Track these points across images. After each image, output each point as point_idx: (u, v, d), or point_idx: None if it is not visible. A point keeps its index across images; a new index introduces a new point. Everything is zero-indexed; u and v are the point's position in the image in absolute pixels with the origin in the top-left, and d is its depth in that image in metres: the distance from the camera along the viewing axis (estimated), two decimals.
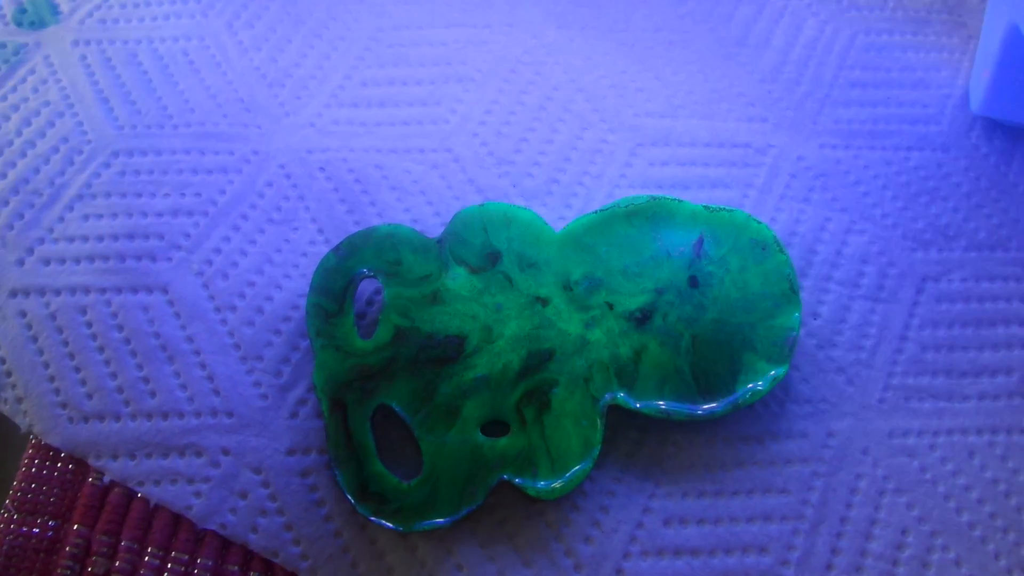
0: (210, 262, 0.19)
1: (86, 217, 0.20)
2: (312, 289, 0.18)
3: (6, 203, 0.20)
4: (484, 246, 0.18)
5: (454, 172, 0.20)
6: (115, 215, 0.20)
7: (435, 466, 0.16)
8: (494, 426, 0.17)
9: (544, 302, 0.17)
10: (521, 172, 0.21)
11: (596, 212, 0.18)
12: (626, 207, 0.18)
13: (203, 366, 0.18)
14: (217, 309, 0.19)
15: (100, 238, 0.19)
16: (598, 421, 0.17)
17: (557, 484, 0.16)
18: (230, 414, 0.18)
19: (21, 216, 0.20)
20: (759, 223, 0.18)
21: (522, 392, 0.17)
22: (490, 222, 0.18)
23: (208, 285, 0.19)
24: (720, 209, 0.18)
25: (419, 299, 0.17)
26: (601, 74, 0.22)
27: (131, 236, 0.19)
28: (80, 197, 0.20)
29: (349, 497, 0.16)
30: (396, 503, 0.16)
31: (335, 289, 0.17)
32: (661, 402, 0.17)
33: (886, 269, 0.20)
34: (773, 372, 0.17)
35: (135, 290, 0.19)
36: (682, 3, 0.23)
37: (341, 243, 0.18)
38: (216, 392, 0.18)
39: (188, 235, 0.19)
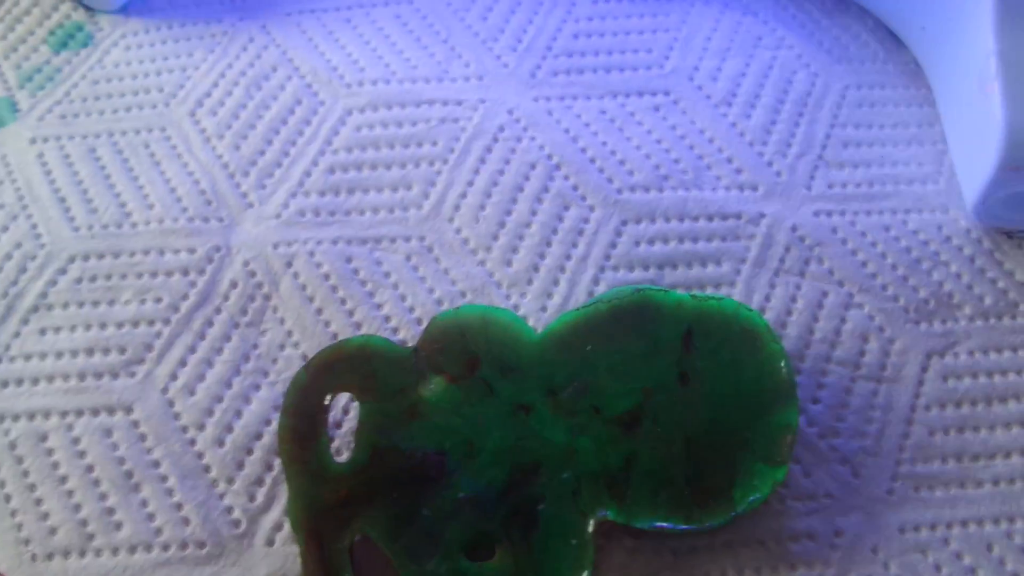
0: (175, 376, 0.18)
1: (43, 331, 0.19)
2: (284, 411, 0.17)
3: None
4: (462, 353, 0.17)
5: (428, 262, 0.20)
6: (73, 327, 0.19)
7: None
8: (479, 547, 0.16)
9: (527, 409, 0.17)
10: (499, 260, 0.20)
11: (578, 310, 0.17)
12: (609, 302, 0.17)
13: (171, 493, 0.17)
14: (184, 428, 0.18)
15: (59, 354, 0.19)
16: (588, 539, 0.16)
17: None
18: (201, 544, 0.17)
19: None
20: (749, 311, 0.17)
21: (507, 510, 0.16)
22: (467, 327, 0.17)
23: (174, 402, 0.18)
24: (708, 298, 0.17)
25: (396, 415, 0.17)
26: (581, 147, 0.21)
27: (90, 351, 0.19)
28: (35, 309, 0.19)
29: None
30: None
31: (308, 409, 0.17)
32: (655, 520, 0.16)
33: (888, 346, 0.19)
34: (773, 478, 0.16)
35: (96, 412, 0.18)
36: (665, 60, 0.23)
37: (311, 360, 0.17)
38: (186, 521, 0.17)
39: (150, 347, 0.19)
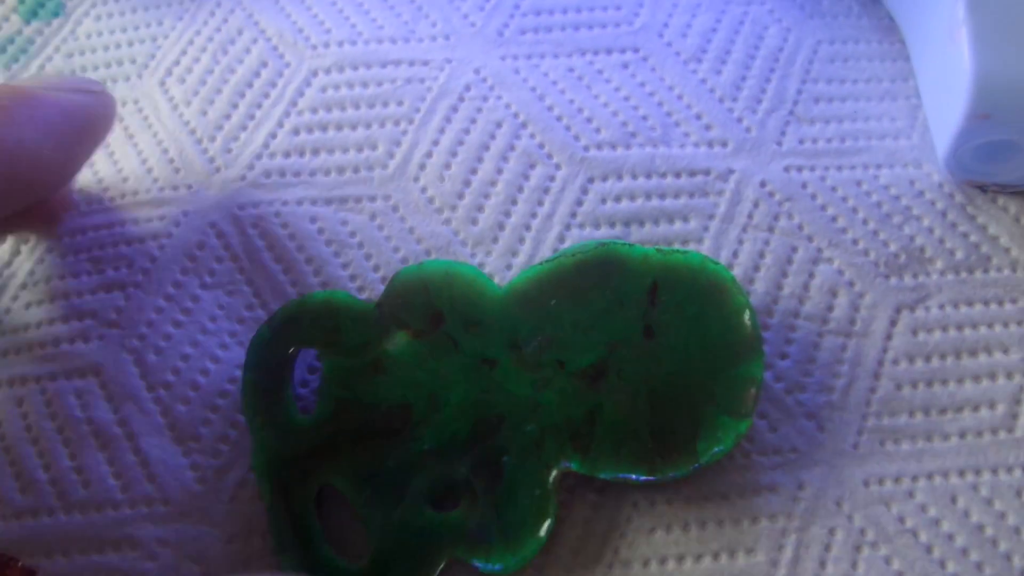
0: (142, 337, 0.18)
1: (27, 306, 0.19)
2: (247, 366, 0.17)
3: None
4: (426, 307, 0.17)
5: (393, 222, 0.20)
6: (53, 299, 0.19)
7: (383, 547, 0.16)
8: (444, 498, 0.16)
9: (491, 364, 0.17)
10: (465, 218, 0.20)
11: (542, 264, 0.17)
12: (573, 256, 0.17)
13: (136, 451, 0.17)
14: (150, 388, 0.18)
15: (38, 325, 0.19)
16: (551, 490, 0.16)
17: (508, 562, 0.16)
18: (166, 502, 0.17)
19: None
20: (716, 264, 0.17)
21: (472, 462, 0.16)
22: (431, 282, 0.17)
23: (140, 363, 0.18)
24: (674, 251, 0.17)
25: (360, 369, 0.17)
26: (548, 104, 0.21)
27: (65, 318, 0.19)
28: (24, 287, 0.19)
29: None
30: None
31: (271, 364, 0.17)
32: (618, 472, 0.16)
33: (857, 300, 0.19)
34: (736, 430, 0.16)
35: (68, 375, 0.18)
36: (635, 16, 0.22)
37: (275, 314, 0.17)
38: (151, 479, 0.17)
39: (120, 309, 0.19)
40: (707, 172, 0.20)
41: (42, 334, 0.19)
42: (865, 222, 0.20)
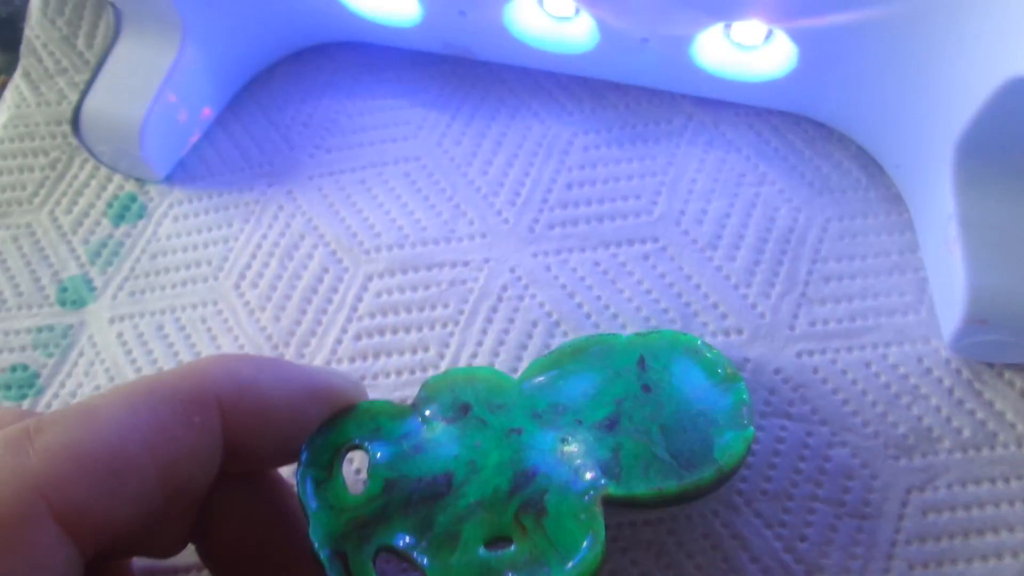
0: None
1: None
2: (302, 463, 0.19)
3: None
4: (454, 402, 0.20)
5: None
6: None
7: None
8: (496, 543, 0.18)
9: (519, 432, 0.19)
10: None
11: (546, 356, 0.21)
12: (571, 346, 0.21)
13: None
14: None
15: None
16: (597, 512, 0.18)
17: (571, 568, 0.17)
18: None
19: None
20: (686, 335, 0.20)
21: (517, 505, 0.18)
22: (455, 383, 0.20)
23: None
24: (649, 332, 0.21)
25: (402, 452, 0.19)
26: (577, 302, 0.23)
27: None
28: None
29: None
30: None
31: (323, 461, 0.19)
32: (650, 487, 0.18)
33: (870, 482, 0.21)
34: (744, 438, 0.19)
35: None
36: (653, 205, 0.24)
37: (322, 424, 0.20)
38: None
39: None
40: None
41: None
42: (874, 404, 0.22)
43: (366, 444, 0.19)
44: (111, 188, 0.28)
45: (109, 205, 0.28)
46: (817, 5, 0.19)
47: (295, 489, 0.19)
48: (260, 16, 0.27)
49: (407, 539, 0.18)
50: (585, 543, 0.18)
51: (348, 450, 0.19)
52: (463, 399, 0.20)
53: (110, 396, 0.16)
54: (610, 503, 0.19)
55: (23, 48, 0.31)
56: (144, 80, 0.25)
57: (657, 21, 0.21)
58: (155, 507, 0.16)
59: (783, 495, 0.21)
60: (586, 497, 0.18)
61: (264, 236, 0.26)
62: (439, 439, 0.19)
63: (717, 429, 0.19)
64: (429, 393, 0.20)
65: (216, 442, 0.17)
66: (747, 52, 0.23)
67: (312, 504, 0.18)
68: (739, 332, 0.23)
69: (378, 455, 0.19)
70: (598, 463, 0.19)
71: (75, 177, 0.28)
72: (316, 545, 0.18)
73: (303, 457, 0.19)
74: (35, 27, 0.31)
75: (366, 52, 0.29)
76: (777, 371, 0.22)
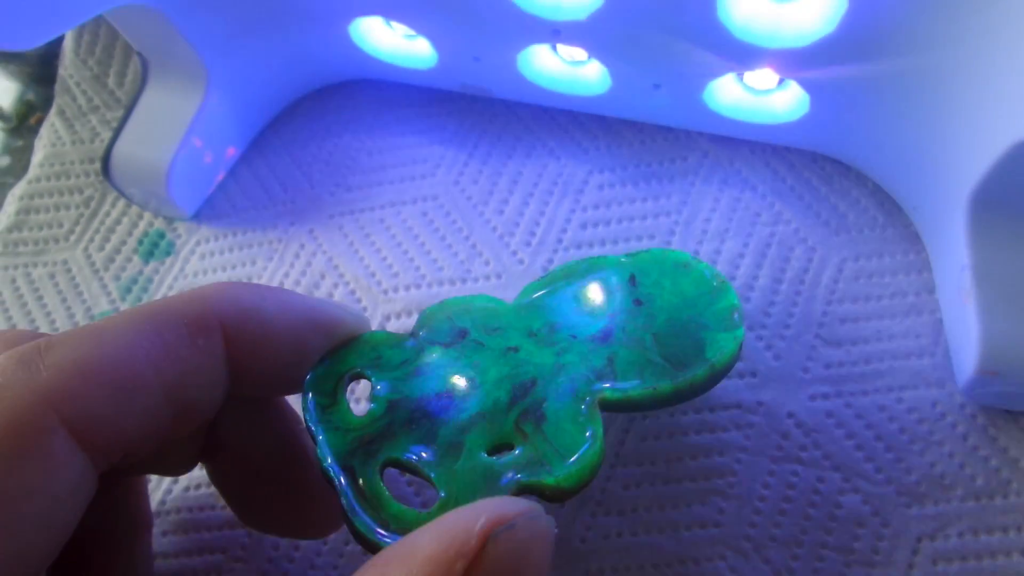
0: None
1: None
2: (306, 390, 0.20)
3: None
4: (451, 329, 0.20)
5: None
6: None
7: (451, 491, 0.18)
8: (498, 451, 0.19)
9: (515, 349, 0.20)
10: None
11: (539, 280, 0.21)
12: (563, 270, 0.21)
13: None
14: None
15: None
16: (594, 412, 0.19)
17: (571, 471, 0.18)
18: None
19: None
20: (675, 251, 0.21)
21: (517, 414, 0.19)
22: (452, 311, 0.21)
23: None
24: (638, 252, 0.21)
25: (403, 376, 0.20)
26: None
27: None
28: None
29: (373, 536, 0.18)
30: None
31: (327, 388, 0.20)
32: (645, 386, 0.18)
33: (880, 530, 0.21)
34: (734, 337, 0.19)
35: None
36: (667, 244, 0.25)
37: (325, 355, 0.20)
38: None
39: None
40: (738, 406, 0.22)
41: None
42: (888, 450, 0.22)
43: (368, 372, 0.20)
44: (141, 225, 0.29)
45: (140, 242, 0.29)
46: (824, 58, 0.19)
47: (301, 415, 0.19)
48: (281, 59, 0.27)
49: (412, 451, 0.18)
50: (584, 443, 0.18)
51: (352, 378, 0.20)
52: (460, 325, 0.20)
53: (116, 318, 0.17)
54: (607, 407, 0.19)
55: (57, 87, 0.32)
56: (170, 127, 0.25)
57: (667, 71, 0.21)
58: (163, 424, 0.17)
59: (792, 542, 0.21)
60: (583, 403, 0.18)
61: (286, 275, 0.27)
62: (438, 362, 0.20)
63: (708, 332, 0.19)
64: (426, 322, 0.20)
65: (220, 365, 0.17)
66: (761, 96, 0.23)
67: (318, 426, 0.19)
68: (752, 375, 0.23)
69: (380, 382, 0.19)
70: (593, 371, 0.19)
71: (107, 215, 0.30)
72: (324, 461, 0.18)
73: (307, 382, 0.19)
74: (68, 66, 0.32)
75: (386, 89, 0.29)
76: (790, 415, 0.22)
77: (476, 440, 0.19)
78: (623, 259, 0.21)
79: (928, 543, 0.21)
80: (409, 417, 0.19)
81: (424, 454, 0.18)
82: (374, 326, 0.25)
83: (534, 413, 0.19)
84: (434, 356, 0.20)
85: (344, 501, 0.18)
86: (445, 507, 0.18)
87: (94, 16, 0.21)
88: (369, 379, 0.20)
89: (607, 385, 0.19)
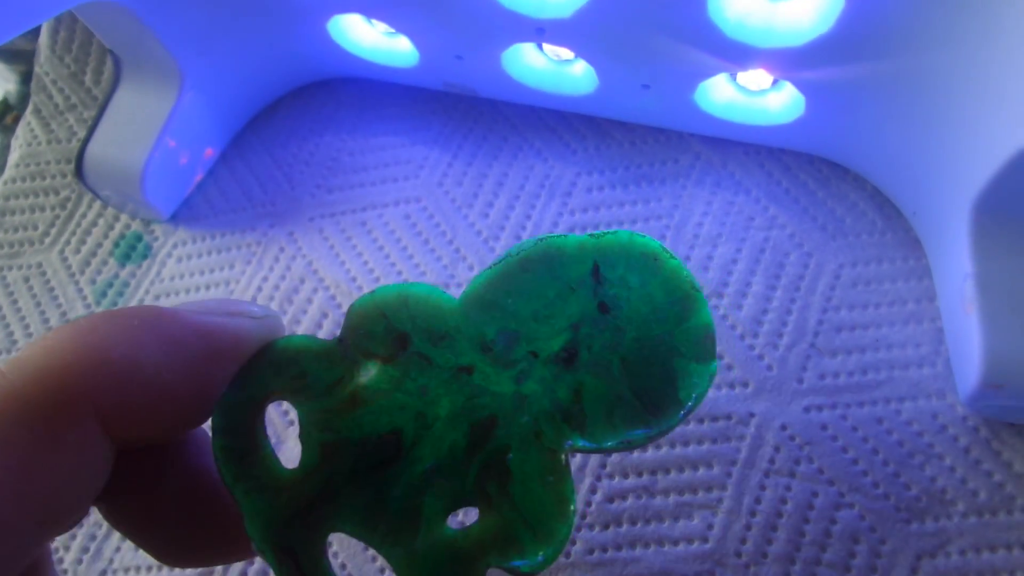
0: None
1: None
2: (216, 431, 0.17)
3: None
4: (388, 332, 0.17)
5: None
6: None
7: None
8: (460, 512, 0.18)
9: (468, 370, 0.17)
10: None
11: (490, 268, 0.18)
12: (517, 254, 0.18)
13: None
14: None
15: None
16: (564, 472, 0.17)
17: (546, 552, 0.16)
18: None
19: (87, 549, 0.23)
20: (643, 237, 0.18)
21: (478, 468, 0.17)
22: (386, 306, 0.18)
23: None
24: (604, 233, 0.18)
25: (336, 407, 0.17)
26: None
27: None
28: None
29: None
30: None
31: (240, 426, 0.17)
32: (617, 437, 0.17)
33: (878, 547, 0.20)
34: (708, 372, 0.17)
35: None
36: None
37: (236, 375, 0.17)
38: None
39: None
40: (729, 417, 0.22)
41: None
42: (886, 463, 0.21)
43: (289, 397, 0.17)
44: (118, 227, 0.29)
45: (116, 244, 0.28)
46: (820, 58, 0.19)
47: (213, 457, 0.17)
48: (259, 58, 0.27)
49: (361, 524, 0.16)
50: (560, 522, 0.16)
51: (269, 402, 0.17)
52: (398, 327, 0.17)
53: None
54: (575, 451, 0.17)
55: (33, 85, 0.31)
56: (144, 127, 0.25)
57: (656, 71, 0.21)
58: (33, 547, 0.14)
59: (786, 559, 0.21)
60: (551, 456, 0.17)
61: (265, 279, 0.26)
62: (378, 384, 0.17)
63: (680, 360, 0.17)
64: (357, 321, 0.17)
65: (99, 453, 0.14)
66: (754, 97, 0.23)
67: (239, 487, 0.16)
68: (744, 385, 0.22)
69: (306, 414, 0.17)
70: (559, 408, 0.17)
71: (83, 216, 0.29)
72: (257, 543, 0.16)
73: (215, 423, 0.16)
74: (44, 64, 0.31)
75: (368, 88, 0.29)
76: (784, 427, 0.22)
77: (434, 506, 0.16)
78: (586, 240, 0.18)
79: (928, 561, 0.20)
80: (352, 469, 0.16)
81: (377, 529, 0.16)
82: None
83: (497, 468, 0.17)
84: (372, 375, 0.17)
85: None
86: None
87: (57, 14, 0.20)
88: (292, 404, 0.17)
89: (577, 435, 0.17)
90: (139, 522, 0.17)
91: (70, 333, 0.14)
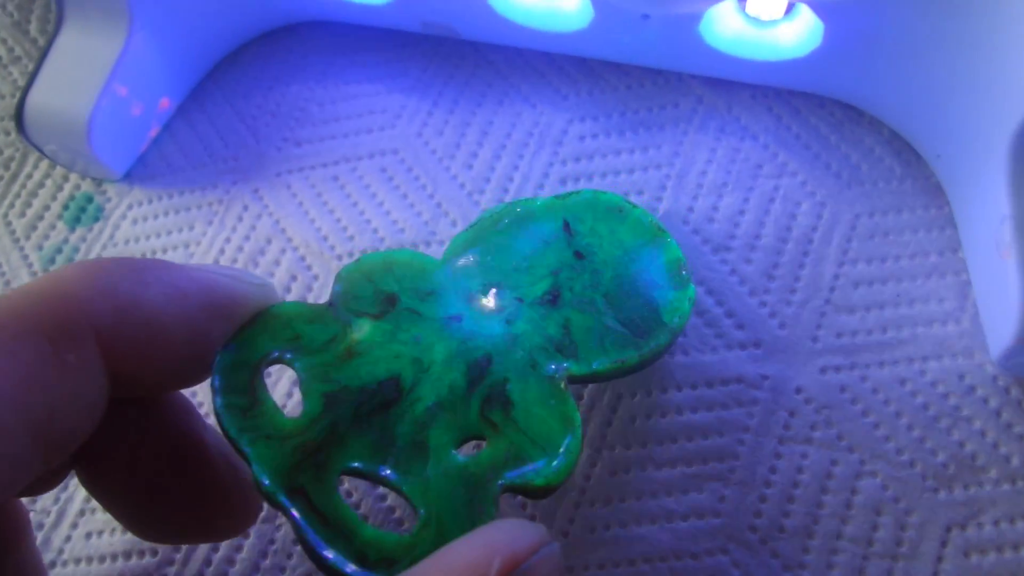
0: None
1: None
2: (216, 391, 0.17)
3: None
4: (376, 294, 0.18)
5: None
6: None
7: (430, 506, 0.16)
8: (467, 443, 0.17)
9: (458, 319, 0.18)
10: None
11: (467, 230, 0.19)
12: (490, 218, 0.19)
13: None
14: None
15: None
16: (565, 395, 0.17)
17: (558, 463, 0.16)
18: None
19: None
20: (605, 193, 0.20)
21: (480, 401, 0.17)
22: (373, 272, 0.18)
23: None
24: (568, 194, 0.20)
25: (333, 360, 0.17)
26: None
27: None
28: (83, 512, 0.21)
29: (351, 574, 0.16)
30: (407, 558, 0.16)
31: (241, 385, 0.17)
32: (611, 359, 0.18)
33: (904, 518, 0.19)
34: (686, 296, 0.18)
35: None
36: (658, 202, 0.22)
37: (231, 339, 0.17)
38: None
39: None
40: (739, 380, 0.20)
41: None
42: (910, 428, 0.19)
43: (287, 356, 0.17)
44: (67, 188, 0.26)
45: (65, 207, 0.26)
46: None
47: (210, 419, 0.17)
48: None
49: (370, 458, 0.16)
50: (566, 433, 0.16)
51: (268, 365, 0.17)
52: (386, 289, 0.18)
53: None
54: (572, 380, 0.18)
55: None
56: (89, 72, 0.22)
57: None
58: (29, 465, 0.14)
59: (804, 532, 0.19)
60: (549, 382, 0.17)
61: (227, 240, 0.24)
62: (372, 339, 0.17)
63: (659, 290, 0.19)
64: (345, 286, 0.18)
65: (97, 380, 0.14)
66: (765, 28, 0.21)
67: (243, 437, 0.16)
68: (755, 345, 0.20)
69: (305, 368, 0.17)
70: (551, 341, 0.18)
71: (29, 177, 0.27)
72: (266, 485, 0.16)
73: (215, 384, 0.16)
74: None
75: (339, 32, 0.26)
76: (798, 390, 0.20)
77: (440, 437, 0.17)
78: (553, 201, 0.19)
79: (959, 532, 0.19)
80: (355, 413, 0.17)
81: (387, 461, 0.16)
82: (326, 295, 0.23)
83: (499, 398, 0.17)
84: (365, 331, 0.17)
85: (305, 534, 0.15)
86: (427, 527, 0.16)
87: None
88: (290, 365, 0.17)
89: (571, 361, 0.17)
90: (117, 486, 0.17)
91: (77, 267, 0.15)
